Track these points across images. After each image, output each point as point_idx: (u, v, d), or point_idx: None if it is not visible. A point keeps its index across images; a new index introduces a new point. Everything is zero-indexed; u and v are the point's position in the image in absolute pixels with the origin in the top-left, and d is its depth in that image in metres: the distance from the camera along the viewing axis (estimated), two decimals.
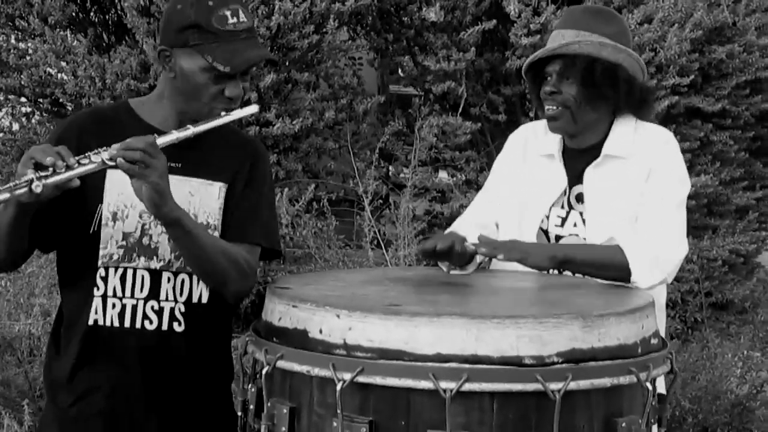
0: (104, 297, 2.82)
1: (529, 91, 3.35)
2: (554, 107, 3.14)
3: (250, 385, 2.65)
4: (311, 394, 2.44)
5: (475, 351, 2.30)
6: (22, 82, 6.77)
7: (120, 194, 2.78)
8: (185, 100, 2.81)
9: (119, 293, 2.82)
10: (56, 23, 6.76)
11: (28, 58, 6.88)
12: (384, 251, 6.63)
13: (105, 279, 2.81)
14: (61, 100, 6.94)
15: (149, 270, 2.82)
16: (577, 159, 3.21)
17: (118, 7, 6.93)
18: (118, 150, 2.57)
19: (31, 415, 4.88)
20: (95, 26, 7.25)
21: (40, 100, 7.05)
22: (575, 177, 3.20)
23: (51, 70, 6.80)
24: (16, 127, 7.22)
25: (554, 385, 2.29)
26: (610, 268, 2.96)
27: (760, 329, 7.75)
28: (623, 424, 2.42)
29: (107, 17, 7.29)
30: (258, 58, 2.85)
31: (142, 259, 2.82)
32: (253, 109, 2.89)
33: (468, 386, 2.27)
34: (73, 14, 6.97)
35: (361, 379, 2.32)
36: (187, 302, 2.86)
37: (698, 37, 7.35)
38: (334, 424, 2.35)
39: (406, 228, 6.58)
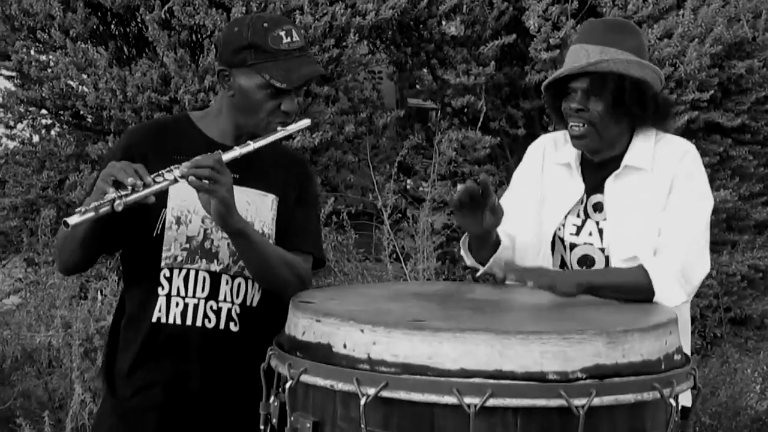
0: (168, 296, 2.99)
1: (548, 106, 3.32)
2: (580, 125, 3.12)
3: (272, 399, 2.65)
4: (335, 408, 2.43)
5: (500, 366, 2.29)
6: (44, 95, 6.80)
7: (183, 200, 2.95)
8: (243, 116, 2.99)
9: (182, 293, 2.98)
10: (77, 36, 6.79)
11: (49, 70, 6.90)
12: (403, 265, 6.63)
13: (169, 279, 2.98)
14: (81, 112, 6.96)
15: (209, 272, 2.99)
16: (596, 169, 3.20)
17: (139, 20, 6.96)
18: (189, 168, 2.74)
19: (51, 427, 4.90)
20: (116, 39, 7.28)
21: (61, 112, 7.08)
22: (593, 186, 3.19)
23: (72, 83, 6.82)
24: (36, 138, 7.24)
25: (578, 401, 2.28)
26: (635, 291, 2.94)
27: None
28: None
29: (128, 30, 7.32)
30: (312, 74, 3.02)
31: (204, 261, 2.99)
32: (306, 122, 3.07)
33: (492, 402, 2.27)
34: (94, 27, 6.99)
35: (385, 393, 2.32)
36: (242, 304, 3.03)
37: (718, 52, 7.35)
38: None
39: (425, 242, 6.58)
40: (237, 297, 3.03)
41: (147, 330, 2.99)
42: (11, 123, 7.16)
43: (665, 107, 3.22)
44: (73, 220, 2.65)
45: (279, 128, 2.97)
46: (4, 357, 5.49)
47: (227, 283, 3.01)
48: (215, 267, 2.99)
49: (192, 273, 2.98)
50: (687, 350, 2.89)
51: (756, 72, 7.72)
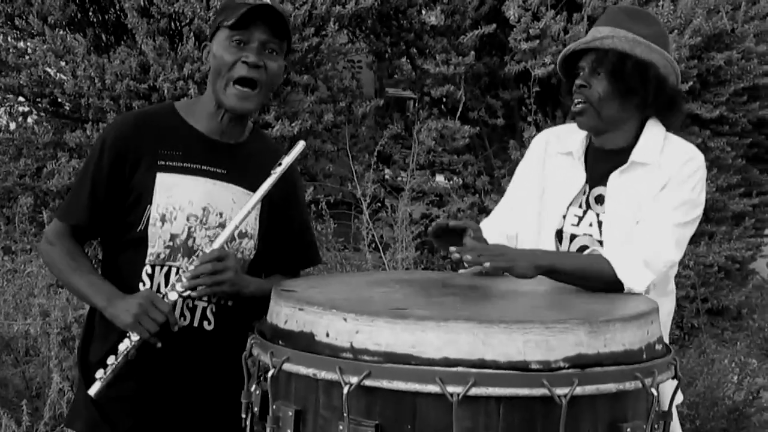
0: None
1: (562, 87, 3.33)
2: (581, 101, 3.15)
3: (254, 388, 2.65)
4: (317, 397, 2.43)
5: (482, 355, 2.30)
6: (21, 82, 6.75)
7: (169, 197, 2.94)
8: (213, 83, 2.97)
9: (162, 289, 2.92)
10: (56, 23, 6.75)
11: (27, 57, 6.87)
12: (382, 254, 6.63)
13: (151, 276, 2.95)
14: (59, 99, 6.93)
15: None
16: (601, 160, 3.20)
17: (117, 8, 6.93)
18: (190, 282, 2.83)
19: (29, 416, 4.87)
20: (94, 26, 7.24)
21: (39, 99, 7.04)
22: (597, 178, 3.19)
23: (50, 70, 6.79)
24: (13, 126, 7.20)
25: (560, 390, 2.29)
26: (597, 278, 2.92)
27: (756, 335, 7.77)
28: (628, 430, 2.42)
29: (106, 17, 7.28)
30: (256, 3, 2.91)
31: (185, 259, 2.94)
32: (301, 146, 3.02)
33: (475, 390, 2.27)
34: (73, 14, 6.95)
35: (367, 382, 2.32)
36: (218, 303, 3.01)
37: (697, 43, 7.37)
38: (340, 427, 2.35)
39: (403, 231, 6.58)
40: (214, 296, 2.99)
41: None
42: None
43: (673, 96, 3.21)
44: (94, 390, 2.76)
45: (276, 168, 2.95)
46: None
47: None
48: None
49: (173, 270, 2.95)
50: (665, 341, 2.90)
51: (735, 64, 7.74)
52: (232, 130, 3.04)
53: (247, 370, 2.68)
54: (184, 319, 2.97)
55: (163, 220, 2.94)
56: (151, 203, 2.93)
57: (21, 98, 7.15)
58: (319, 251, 3.37)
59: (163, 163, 2.96)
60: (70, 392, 4.99)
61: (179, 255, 2.95)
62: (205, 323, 3.00)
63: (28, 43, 7.06)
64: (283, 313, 2.55)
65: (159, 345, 2.82)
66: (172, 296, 2.84)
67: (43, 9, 6.72)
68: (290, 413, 2.47)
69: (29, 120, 7.26)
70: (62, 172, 6.55)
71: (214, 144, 3.02)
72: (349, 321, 2.38)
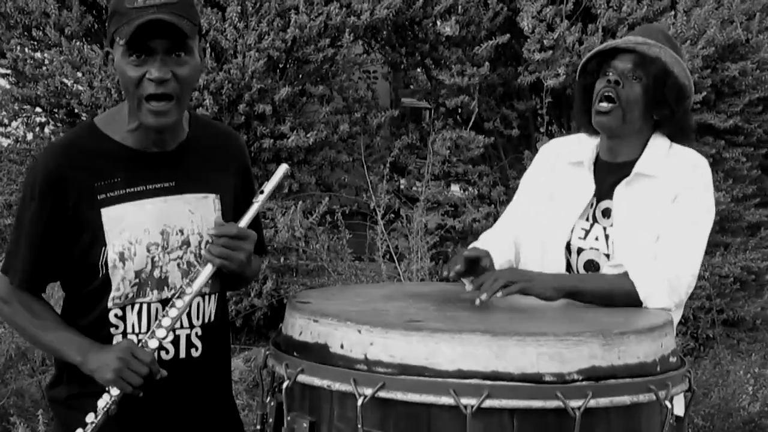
0: (124, 335, 2.71)
1: (578, 85, 3.28)
2: (610, 102, 3.09)
3: (269, 399, 2.66)
4: (331, 408, 2.44)
5: (496, 368, 2.30)
6: (38, 92, 6.79)
7: (122, 232, 2.66)
8: (127, 100, 2.64)
9: (136, 329, 2.70)
10: (72, 34, 6.79)
11: (44, 68, 6.90)
12: (397, 265, 6.64)
13: (123, 318, 2.70)
14: (76, 110, 6.96)
15: (162, 301, 2.71)
16: (608, 173, 3.18)
17: None
18: (212, 243, 2.66)
19: (45, 425, 4.89)
20: None
21: (56, 110, 7.07)
22: (604, 191, 3.18)
23: (67, 81, 6.82)
24: (30, 136, 7.24)
25: (574, 403, 2.29)
26: (619, 297, 2.91)
27: None
28: None
29: None
30: (142, 21, 2.50)
31: (155, 292, 2.71)
32: (283, 170, 2.78)
33: (488, 403, 2.28)
34: (89, 25, 6.99)
35: (381, 394, 2.33)
36: (203, 324, 2.78)
37: (711, 54, 7.36)
38: None
39: (418, 242, 6.59)
40: (197, 319, 2.77)
41: None
42: (5, 121, 7.17)
43: (690, 124, 3.22)
44: None
45: (256, 198, 2.72)
46: None
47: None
48: (167, 294, 2.70)
49: (145, 306, 2.70)
50: None
51: (749, 74, 7.73)
52: (167, 138, 2.71)
53: (262, 382, 2.69)
54: (167, 353, 2.71)
55: (122, 259, 2.66)
56: (105, 245, 2.64)
57: (38, 109, 7.19)
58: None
59: (104, 195, 2.65)
60: None
61: (147, 289, 2.69)
62: (193, 350, 2.76)
63: (45, 54, 7.09)
64: (297, 325, 2.56)
65: (141, 395, 2.58)
66: (153, 344, 2.60)
67: (60, 20, 6.76)
68: (305, 425, 2.48)
69: (46, 130, 7.30)
70: None
71: (152, 157, 2.71)
72: (364, 333, 2.39)
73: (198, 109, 6.13)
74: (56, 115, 7.19)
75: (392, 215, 7.18)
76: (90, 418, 2.57)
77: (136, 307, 2.70)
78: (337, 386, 2.39)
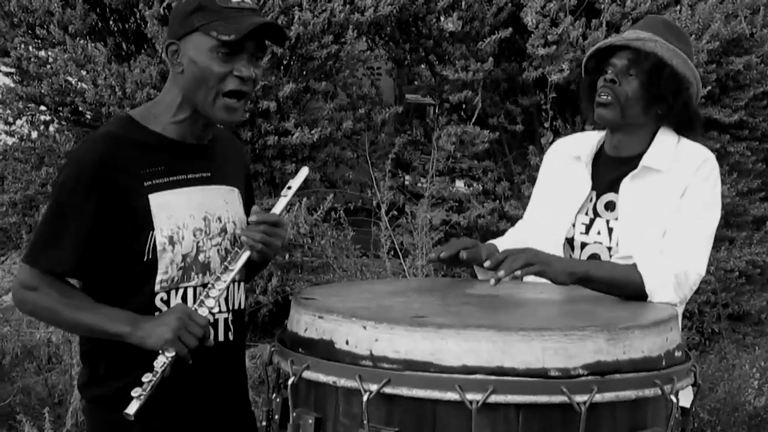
0: None
1: (582, 83, 3.32)
2: (608, 96, 3.13)
3: (274, 395, 2.66)
4: (337, 404, 2.45)
5: (501, 363, 2.31)
6: (42, 91, 6.78)
7: (169, 217, 2.77)
8: (195, 90, 2.75)
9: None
10: (76, 32, 6.78)
11: (48, 66, 6.90)
12: (402, 261, 6.64)
13: (167, 302, 2.78)
14: (80, 108, 6.95)
15: (203, 285, 2.82)
16: (612, 167, 3.20)
17: (138, 16, 6.96)
18: (249, 229, 2.83)
19: (51, 423, 4.91)
20: (115, 35, 7.28)
21: (60, 108, 7.06)
22: (606, 185, 3.19)
23: (71, 79, 6.81)
24: (34, 135, 7.24)
25: (579, 398, 2.30)
26: (627, 288, 2.93)
27: None
28: None
29: (127, 26, 7.32)
30: (261, 22, 2.73)
31: (200, 276, 2.82)
32: (305, 171, 2.92)
33: (494, 398, 2.28)
34: (93, 23, 6.98)
35: (387, 390, 2.33)
36: (233, 310, 2.91)
37: (715, 48, 7.36)
38: None
39: (423, 238, 6.59)
40: (231, 304, 2.89)
41: (147, 354, 2.68)
42: (10, 119, 7.16)
43: (695, 116, 3.22)
44: (133, 409, 2.59)
45: (285, 192, 2.87)
46: (4, 353, 5.50)
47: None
48: (208, 278, 2.82)
49: (190, 291, 2.81)
50: None
51: (754, 68, 7.73)
52: (204, 132, 2.88)
53: (267, 378, 2.70)
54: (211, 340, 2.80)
55: (171, 242, 2.77)
56: (153, 229, 2.75)
57: (42, 107, 7.18)
58: None
59: (150, 182, 2.76)
60: None
61: (192, 274, 2.81)
62: (229, 334, 2.89)
63: (49, 53, 7.09)
64: (303, 321, 2.56)
65: (190, 362, 2.68)
66: (203, 312, 2.71)
67: (64, 18, 6.76)
68: (310, 421, 2.48)
69: (51, 129, 7.30)
70: None
71: (191, 149, 2.85)
72: (369, 329, 2.39)
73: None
74: (61, 114, 7.18)
75: (396, 211, 7.18)
76: (147, 377, 2.63)
77: (180, 291, 2.80)
78: (343, 382, 2.39)
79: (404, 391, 2.33)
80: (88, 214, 2.71)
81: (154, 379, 2.62)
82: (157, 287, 2.77)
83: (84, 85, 6.72)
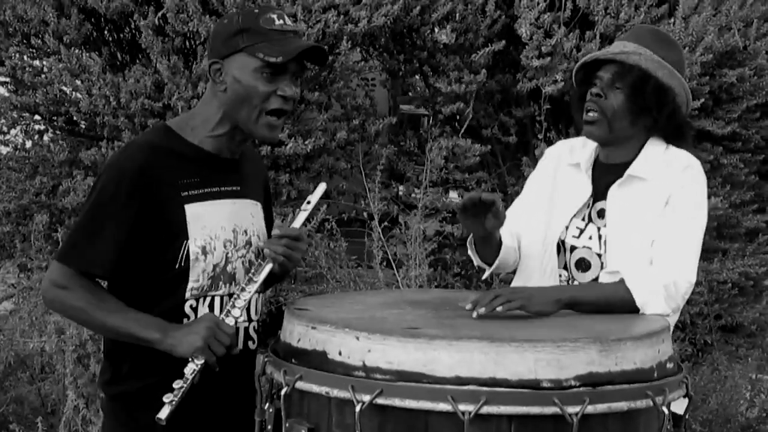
0: None
1: (573, 95, 3.35)
2: (595, 112, 3.16)
3: (267, 406, 2.67)
4: (329, 415, 2.46)
5: (494, 374, 2.32)
6: (37, 100, 6.78)
7: (203, 228, 2.90)
8: (238, 108, 2.88)
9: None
10: (71, 42, 6.79)
11: (42, 76, 6.89)
12: (395, 271, 6.64)
13: (195, 309, 2.90)
14: (75, 118, 6.95)
15: (229, 295, 2.93)
16: (605, 174, 3.23)
17: (133, 27, 6.97)
18: (272, 242, 2.92)
19: None
20: (110, 45, 7.28)
21: (55, 118, 7.07)
22: (600, 192, 3.22)
23: (65, 89, 6.81)
24: (29, 144, 7.24)
25: (572, 409, 2.31)
26: (617, 305, 2.95)
27: None
28: None
29: (122, 36, 7.32)
30: (307, 46, 2.87)
31: (227, 285, 2.94)
32: (323, 187, 3.06)
33: (486, 409, 2.29)
34: (88, 33, 6.98)
35: (380, 401, 2.34)
36: (258, 319, 3.04)
37: (709, 60, 7.37)
38: None
39: (416, 248, 6.59)
40: (254, 313, 3.01)
41: (172, 360, 2.78)
42: (4, 128, 7.15)
43: (682, 125, 3.24)
44: (165, 413, 2.68)
45: (305, 207, 2.99)
46: None
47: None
48: (233, 289, 2.94)
49: (217, 300, 2.92)
50: None
51: (747, 80, 7.74)
52: (238, 148, 3.01)
53: (260, 389, 2.71)
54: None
55: (204, 252, 2.89)
56: (188, 238, 2.87)
57: (37, 116, 7.18)
58: None
59: (186, 193, 2.88)
60: (85, 409, 5.02)
61: (220, 283, 2.93)
62: (250, 343, 3.01)
63: (44, 62, 7.08)
64: (296, 332, 2.58)
65: (217, 369, 2.78)
66: (230, 321, 2.82)
67: (59, 28, 6.76)
68: (303, 431, 2.49)
69: (45, 138, 7.29)
70: (77, 189, 6.58)
71: (224, 163, 2.98)
72: (362, 340, 2.40)
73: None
74: (55, 123, 7.19)
75: (390, 222, 7.18)
76: (177, 384, 2.71)
77: (208, 299, 2.92)
78: (336, 393, 2.40)
79: (397, 402, 2.34)
80: (126, 220, 2.82)
81: (185, 385, 2.71)
82: (187, 294, 2.89)
83: (78, 95, 6.72)
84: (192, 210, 2.88)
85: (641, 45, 3.17)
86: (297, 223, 2.99)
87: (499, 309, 2.80)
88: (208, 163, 2.94)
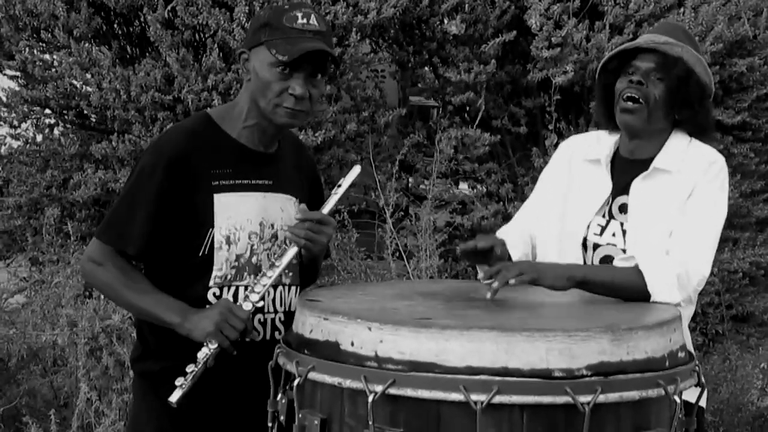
0: None
1: (598, 84, 3.29)
2: (636, 100, 3.10)
3: (279, 397, 2.68)
4: (342, 405, 2.46)
5: (506, 364, 2.32)
6: (48, 94, 6.81)
7: (229, 218, 2.95)
8: (258, 98, 2.93)
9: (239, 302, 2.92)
10: (81, 36, 6.81)
11: (53, 70, 6.92)
12: (406, 263, 6.65)
13: (218, 297, 2.94)
14: (85, 111, 6.99)
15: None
16: (626, 169, 3.19)
17: (142, 20, 6.98)
18: (295, 227, 2.93)
19: (57, 425, 4.92)
20: (119, 39, 7.30)
21: (65, 111, 7.10)
22: (620, 187, 3.19)
23: (76, 82, 6.84)
24: (39, 138, 7.27)
25: (583, 398, 2.30)
26: (628, 290, 2.93)
27: None
28: None
29: (131, 30, 7.34)
30: (312, 48, 2.87)
31: (251, 276, 2.97)
32: (358, 169, 3.04)
33: (498, 398, 2.29)
34: (98, 27, 7.01)
35: (392, 391, 2.34)
36: (285, 311, 3.05)
37: (719, 50, 7.37)
38: None
39: (427, 240, 6.60)
40: (281, 305, 3.04)
41: (194, 346, 2.83)
42: (15, 122, 7.19)
43: (710, 121, 3.23)
44: (176, 397, 2.74)
45: (336, 191, 2.99)
46: (9, 356, 5.50)
47: (269, 294, 2.97)
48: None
49: (241, 290, 2.96)
50: (689, 348, 2.91)
51: (757, 70, 7.74)
52: (272, 140, 3.05)
53: (273, 379, 2.71)
54: (258, 334, 2.97)
55: (228, 242, 2.94)
56: (213, 226, 2.93)
57: (47, 110, 7.21)
58: None
59: (217, 183, 2.94)
60: (98, 402, 5.03)
61: (245, 274, 2.97)
62: (276, 333, 3.01)
63: (54, 56, 7.11)
64: (308, 323, 2.58)
65: (234, 353, 2.82)
66: (247, 306, 2.86)
67: (69, 22, 6.78)
68: (316, 422, 2.49)
69: (56, 132, 7.33)
70: (88, 183, 6.61)
71: (258, 156, 3.02)
72: (374, 330, 2.40)
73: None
74: (66, 117, 7.22)
75: (401, 213, 7.19)
76: (190, 368, 2.77)
77: (232, 289, 2.96)
78: (348, 383, 2.40)
79: (409, 392, 2.33)
80: (160, 202, 2.89)
81: (197, 369, 2.77)
82: (211, 282, 2.94)
83: (89, 89, 6.75)
84: (221, 199, 2.93)
85: (678, 39, 3.14)
86: (327, 207, 2.99)
87: (512, 282, 2.81)
88: (241, 156, 2.99)
